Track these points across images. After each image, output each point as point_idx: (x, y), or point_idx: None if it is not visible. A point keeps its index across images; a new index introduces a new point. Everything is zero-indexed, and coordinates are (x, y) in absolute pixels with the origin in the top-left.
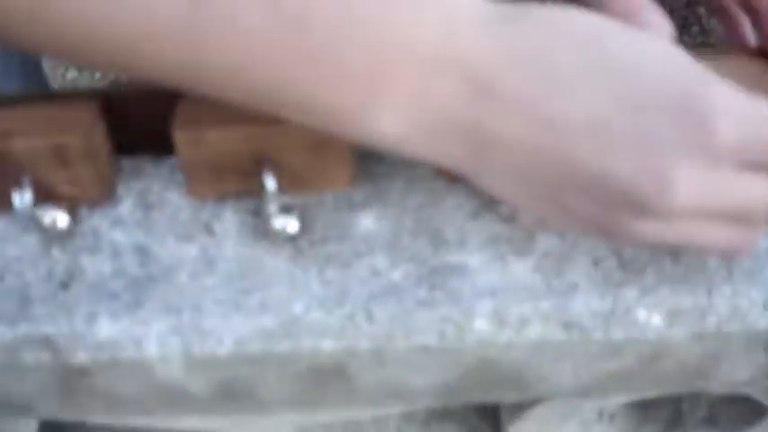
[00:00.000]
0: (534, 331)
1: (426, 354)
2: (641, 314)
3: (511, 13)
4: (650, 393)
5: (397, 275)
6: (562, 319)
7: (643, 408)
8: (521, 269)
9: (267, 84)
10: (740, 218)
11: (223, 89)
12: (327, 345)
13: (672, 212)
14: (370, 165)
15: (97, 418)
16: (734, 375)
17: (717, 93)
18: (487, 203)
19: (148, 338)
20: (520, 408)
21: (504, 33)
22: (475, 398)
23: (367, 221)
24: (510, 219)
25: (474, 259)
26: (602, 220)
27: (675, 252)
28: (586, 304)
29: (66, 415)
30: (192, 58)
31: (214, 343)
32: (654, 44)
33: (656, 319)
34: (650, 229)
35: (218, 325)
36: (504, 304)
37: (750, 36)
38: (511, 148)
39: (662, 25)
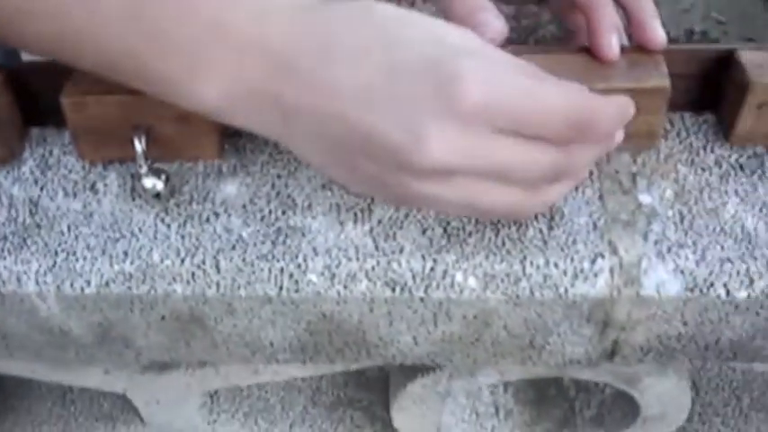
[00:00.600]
0: (361, 287)
1: (270, 305)
2: (458, 276)
3: (314, 3)
4: (506, 369)
5: (245, 233)
6: (386, 277)
7: (537, 405)
8: (355, 233)
9: (109, 53)
10: (504, 179)
11: (76, 58)
12: (179, 289)
13: (431, 167)
14: (239, 141)
15: None
16: (567, 349)
17: (465, 63)
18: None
19: (28, 275)
20: (404, 384)
21: (305, 20)
22: (331, 357)
23: (230, 188)
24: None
25: (316, 223)
26: (384, 179)
27: (496, 224)
28: (409, 265)
29: None
30: (50, 29)
31: (82, 283)
32: (420, 25)
33: (472, 282)
34: (423, 188)
35: (86, 267)
36: (335, 262)
37: (584, 39)
38: (307, 116)
39: (495, 24)
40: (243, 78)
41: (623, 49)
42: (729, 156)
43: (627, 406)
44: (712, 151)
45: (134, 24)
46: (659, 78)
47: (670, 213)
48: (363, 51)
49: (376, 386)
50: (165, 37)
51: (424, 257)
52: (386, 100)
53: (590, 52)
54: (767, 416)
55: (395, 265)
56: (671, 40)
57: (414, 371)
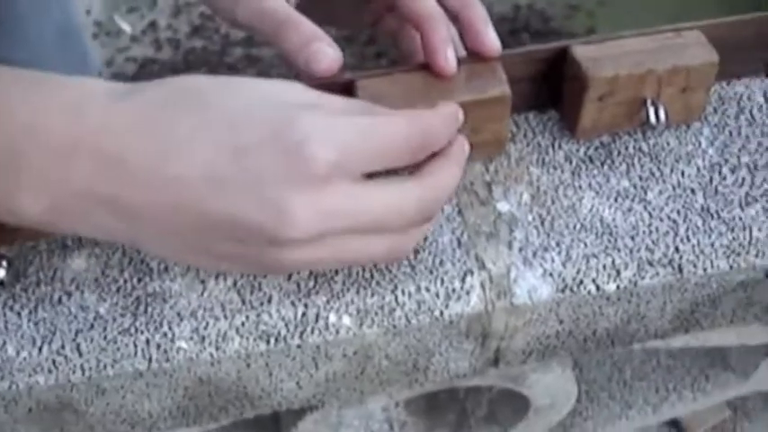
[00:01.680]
0: (234, 345)
1: (142, 378)
2: (332, 317)
3: (128, 88)
4: (381, 390)
5: (103, 309)
6: (258, 330)
7: (430, 413)
8: (219, 290)
9: None
10: (375, 229)
11: None
12: (41, 380)
13: (301, 239)
14: None
15: None
16: (451, 365)
17: (305, 121)
18: None
19: None
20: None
21: (125, 110)
22: (215, 416)
23: (78, 262)
24: None
25: (176, 285)
26: (251, 256)
27: None
28: (280, 314)
29: None
30: None
31: None
32: (249, 91)
33: (346, 320)
34: (297, 256)
35: None
36: (202, 324)
37: (420, 54)
38: (152, 213)
39: (330, 53)
40: (72, 183)
41: (461, 61)
42: (578, 150)
43: (516, 400)
44: (560, 148)
45: None
46: (499, 86)
47: (530, 218)
48: (204, 133)
49: (269, 427)
50: None
51: (294, 304)
52: (236, 181)
53: (429, 69)
54: (649, 384)
55: (265, 317)
56: (500, 18)
57: (302, 409)
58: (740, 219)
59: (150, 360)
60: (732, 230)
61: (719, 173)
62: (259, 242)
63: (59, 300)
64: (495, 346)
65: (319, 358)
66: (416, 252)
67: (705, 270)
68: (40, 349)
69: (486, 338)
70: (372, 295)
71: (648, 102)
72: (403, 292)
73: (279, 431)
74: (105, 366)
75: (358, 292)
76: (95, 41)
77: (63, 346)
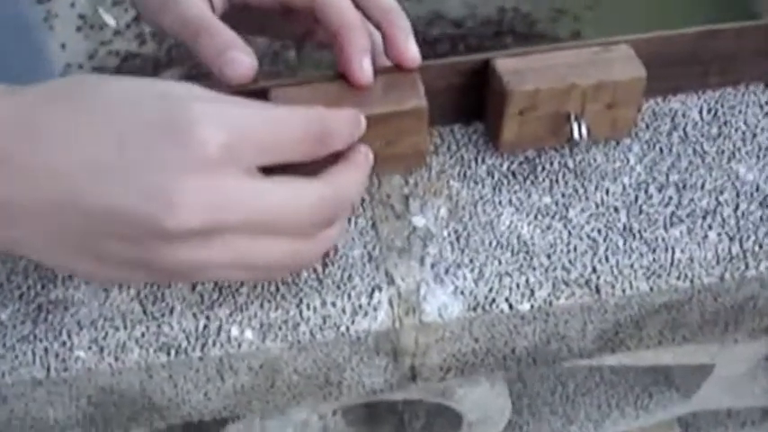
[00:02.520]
0: (134, 356)
1: (42, 387)
2: (234, 330)
3: (12, 88)
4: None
5: (4, 315)
6: (158, 342)
7: (368, 424)
8: (121, 299)
9: None
10: (271, 228)
11: None
12: None
13: (189, 230)
14: None
15: None
16: (365, 381)
17: (195, 106)
18: None
19: None
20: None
21: (6, 106)
22: (124, 426)
23: None
24: None
25: (79, 293)
26: (138, 257)
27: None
28: (181, 326)
29: None
30: None
31: None
32: (138, 85)
33: (249, 334)
34: (185, 254)
35: None
36: (101, 334)
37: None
38: (35, 212)
39: (245, 60)
40: None
41: (379, 72)
42: (501, 164)
43: (451, 413)
44: (483, 162)
45: None
46: (416, 99)
47: (445, 233)
48: (82, 125)
49: None
50: None
51: (195, 316)
52: (120, 171)
53: (346, 79)
54: (592, 399)
55: (166, 329)
56: (485, 20)
57: (224, 420)
58: (663, 239)
59: (49, 369)
60: (653, 251)
61: (646, 191)
62: (145, 237)
63: None
64: (409, 363)
65: (224, 371)
66: (325, 265)
67: (624, 291)
68: None
69: (397, 355)
70: (276, 309)
71: (572, 117)
72: (308, 307)
73: None
74: (3, 374)
75: (262, 305)
76: (79, 34)
77: None
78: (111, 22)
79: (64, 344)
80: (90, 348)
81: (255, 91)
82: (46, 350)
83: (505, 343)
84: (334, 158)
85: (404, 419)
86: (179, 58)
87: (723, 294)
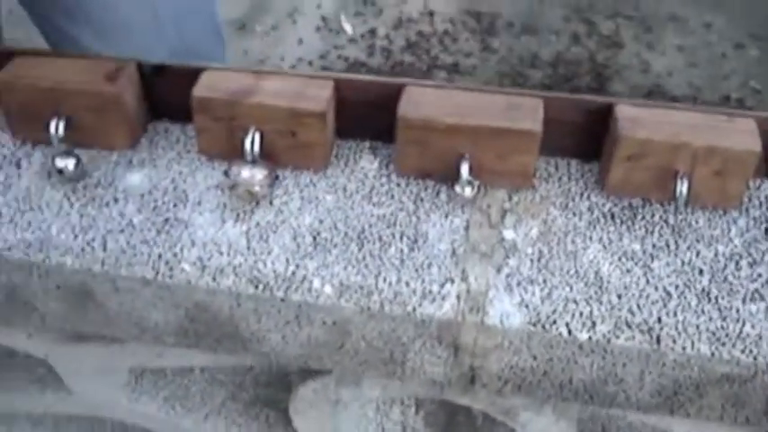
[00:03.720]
0: (228, 281)
1: (149, 287)
2: (316, 283)
3: None
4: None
5: (136, 219)
6: (251, 274)
7: (445, 430)
8: (233, 232)
9: None
10: None
11: None
12: (69, 261)
13: None
14: (155, 137)
15: None
16: (427, 368)
17: None
18: (224, 181)
19: None
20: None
21: None
22: (212, 346)
23: (135, 178)
24: (233, 188)
25: (201, 218)
26: None
27: (362, 239)
28: (273, 267)
29: None
30: None
31: None
32: None
33: (328, 290)
34: None
35: None
36: (207, 255)
37: None
38: None
39: None
40: None
41: (508, 92)
42: (604, 204)
43: None
44: (588, 198)
45: None
46: (531, 122)
47: (530, 251)
48: None
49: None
50: None
51: (288, 261)
52: None
53: (479, 92)
54: None
55: (260, 265)
56: (706, 103)
57: (306, 375)
58: (737, 311)
59: (157, 272)
60: (724, 319)
61: (737, 264)
62: None
63: (107, 203)
64: (468, 363)
65: (302, 318)
66: (411, 249)
67: (684, 349)
68: (76, 236)
69: (458, 350)
70: (357, 274)
71: (679, 174)
72: (384, 280)
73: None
74: (121, 266)
75: (345, 267)
76: (316, 34)
77: (94, 239)
78: (348, 29)
79: (175, 255)
80: (194, 264)
81: (389, 83)
82: (159, 256)
83: (563, 370)
84: None
85: (476, 426)
86: (399, 76)
87: None
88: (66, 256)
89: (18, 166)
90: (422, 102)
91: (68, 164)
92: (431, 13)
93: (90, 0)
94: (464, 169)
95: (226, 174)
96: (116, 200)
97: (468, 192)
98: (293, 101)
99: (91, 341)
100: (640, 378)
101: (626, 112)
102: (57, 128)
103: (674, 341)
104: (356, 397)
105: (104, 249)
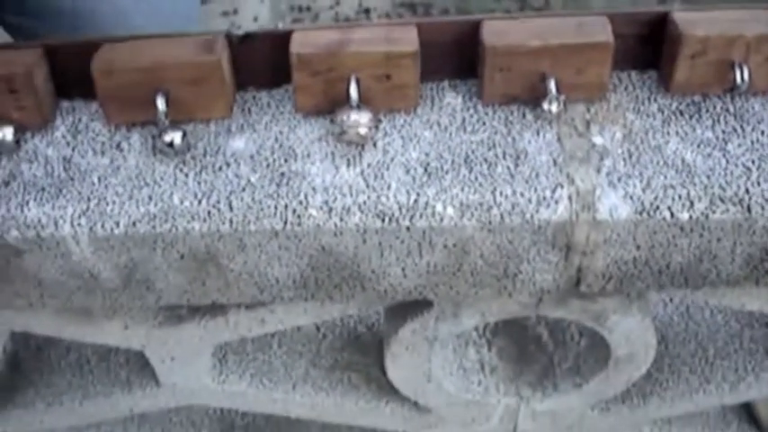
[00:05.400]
0: (355, 219)
1: (276, 239)
2: (438, 207)
3: None
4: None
5: (254, 178)
6: (376, 209)
7: (519, 362)
8: (349, 175)
9: None
10: None
11: None
12: (197, 227)
13: None
14: (246, 104)
15: (28, 305)
16: (537, 278)
17: None
18: (328, 132)
19: (64, 219)
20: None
21: None
22: (330, 292)
23: (238, 143)
24: (342, 134)
25: (314, 168)
26: None
27: (469, 163)
28: (395, 199)
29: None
30: None
31: (112, 224)
32: None
33: (450, 211)
34: None
35: (115, 210)
36: (331, 198)
37: None
38: None
39: None
40: None
41: (573, 14)
42: (671, 104)
43: (599, 352)
44: (656, 101)
45: None
46: (606, 35)
47: (620, 151)
48: None
49: (370, 351)
50: None
51: (408, 192)
52: None
53: (548, 18)
54: (730, 363)
55: (383, 199)
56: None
57: (403, 316)
58: None
59: (286, 222)
60: None
61: None
62: None
63: (220, 168)
64: (577, 263)
65: (424, 245)
66: (516, 165)
67: None
68: (200, 201)
69: (569, 251)
70: (474, 193)
71: (736, 64)
72: (501, 194)
73: (380, 355)
74: (249, 222)
75: (462, 189)
76: None
77: (218, 201)
78: None
79: (301, 203)
80: (321, 208)
81: (466, 21)
82: (286, 206)
83: (662, 254)
84: None
85: (553, 360)
86: None
87: None
88: (193, 222)
89: (119, 148)
90: (503, 31)
91: (176, 137)
92: (366, 11)
93: None
94: (551, 87)
95: (332, 122)
96: (228, 164)
97: (554, 107)
98: (387, 45)
99: (189, 320)
100: (732, 251)
101: (683, 16)
102: (161, 104)
103: (763, 207)
104: (453, 331)
105: (230, 209)
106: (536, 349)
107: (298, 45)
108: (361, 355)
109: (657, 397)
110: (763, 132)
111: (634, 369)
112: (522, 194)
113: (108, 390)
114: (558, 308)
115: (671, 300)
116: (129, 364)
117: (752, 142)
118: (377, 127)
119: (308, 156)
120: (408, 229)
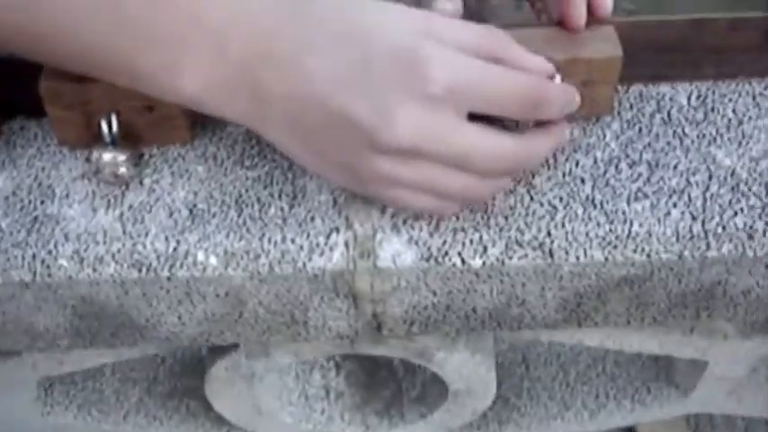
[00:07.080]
0: (109, 270)
1: (29, 290)
2: (200, 256)
3: None
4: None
5: (4, 223)
6: (132, 258)
7: (368, 387)
8: (106, 219)
9: (91, 49)
10: (465, 165)
11: (48, 52)
12: None
13: (398, 144)
14: (11, 137)
15: None
16: (331, 324)
17: (429, 47)
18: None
19: None
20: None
21: (284, 4)
22: (109, 341)
23: None
24: (98, 174)
25: (71, 211)
26: (349, 160)
27: (240, 204)
28: (153, 246)
29: None
30: (22, 22)
31: None
32: (393, 13)
33: (213, 261)
34: (387, 166)
35: None
36: (83, 246)
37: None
38: (282, 101)
39: (448, 8)
40: (222, 66)
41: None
42: None
43: (441, 384)
44: None
45: (109, 16)
46: (614, 49)
47: None
48: (342, 40)
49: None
50: (143, 29)
51: (167, 239)
52: (359, 85)
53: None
54: (591, 388)
55: (140, 248)
56: None
57: (214, 355)
58: (623, 212)
59: (35, 273)
60: (611, 222)
61: (616, 167)
62: (361, 145)
63: None
64: (370, 310)
65: (193, 294)
66: (291, 206)
67: (578, 258)
68: None
69: (357, 299)
70: (240, 240)
71: None
72: (269, 241)
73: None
74: None
75: (227, 235)
76: None
77: None
78: None
79: (50, 252)
80: (72, 258)
81: None
82: (33, 256)
83: (464, 300)
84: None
85: (402, 387)
86: None
87: (686, 275)
88: None
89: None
90: None
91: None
92: None
93: None
94: None
95: (87, 160)
96: None
97: None
98: None
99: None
100: (541, 295)
101: None
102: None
103: (567, 252)
104: (269, 367)
105: None
106: (387, 374)
107: (49, 74)
108: (203, 380)
109: (514, 424)
110: (577, 163)
111: (477, 402)
112: (293, 241)
113: None
114: (376, 346)
115: None
116: None
117: (563, 174)
118: (147, 163)
119: (67, 196)
120: (170, 279)
